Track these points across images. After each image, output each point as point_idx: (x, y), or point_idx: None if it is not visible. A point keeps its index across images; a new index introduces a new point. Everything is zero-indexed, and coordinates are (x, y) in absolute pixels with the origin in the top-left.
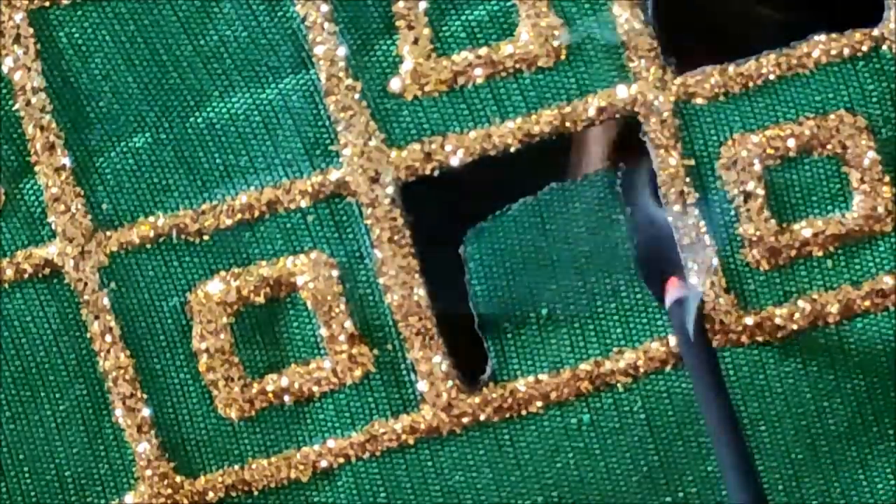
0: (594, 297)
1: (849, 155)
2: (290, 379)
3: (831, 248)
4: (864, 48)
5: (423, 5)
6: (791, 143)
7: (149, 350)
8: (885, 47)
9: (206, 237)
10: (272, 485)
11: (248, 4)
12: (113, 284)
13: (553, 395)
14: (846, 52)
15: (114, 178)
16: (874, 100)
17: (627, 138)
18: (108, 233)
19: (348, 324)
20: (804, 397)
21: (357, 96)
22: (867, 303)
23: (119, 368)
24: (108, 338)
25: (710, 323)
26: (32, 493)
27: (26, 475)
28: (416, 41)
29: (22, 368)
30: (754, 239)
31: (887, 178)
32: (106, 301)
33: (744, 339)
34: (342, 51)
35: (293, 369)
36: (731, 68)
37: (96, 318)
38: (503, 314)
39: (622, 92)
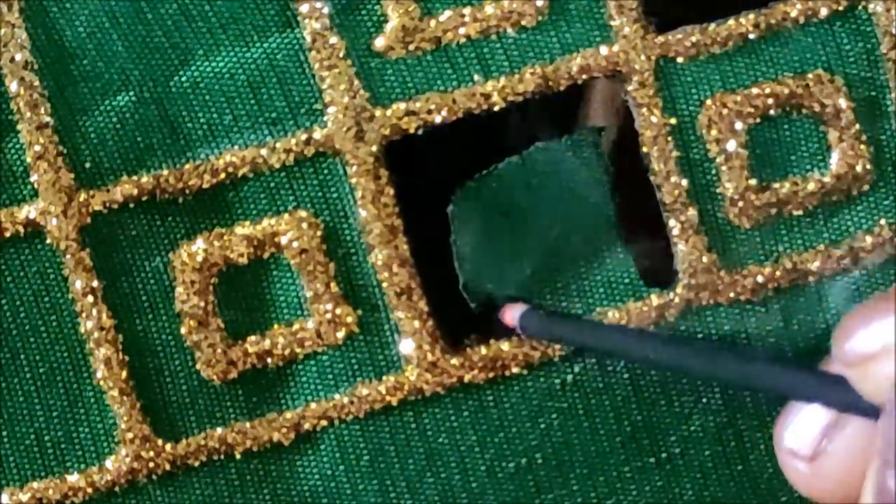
0: (576, 257)
1: (827, 114)
2: (272, 340)
3: (811, 207)
4: (841, 7)
5: None
6: (771, 101)
7: (131, 311)
8: (861, 6)
9: (189, 197)
10: (254, 448)
11: None
12: (95, 244)
13: (537, 356)
14: (823, 11)
15: (97, 137)
16: (851, 59)
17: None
18: (91, 192)
19: (332, 284)
20: (786, 356)
21: (342, 55)
22: (846, 261)
23: (101, 330)
24: (90, 298)
25: (693, 282)
26: (11, 458)
27: (4, 439)
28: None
29: (1, 330)
30: (735, 198)
31: (865, 138)
32: (88, 261)
33: (725, 298)
34: (327, 9)
35: (276, 331)
36: (712, 27)
37: (78, 278)
38: (487, 274)
39: (604, 51)
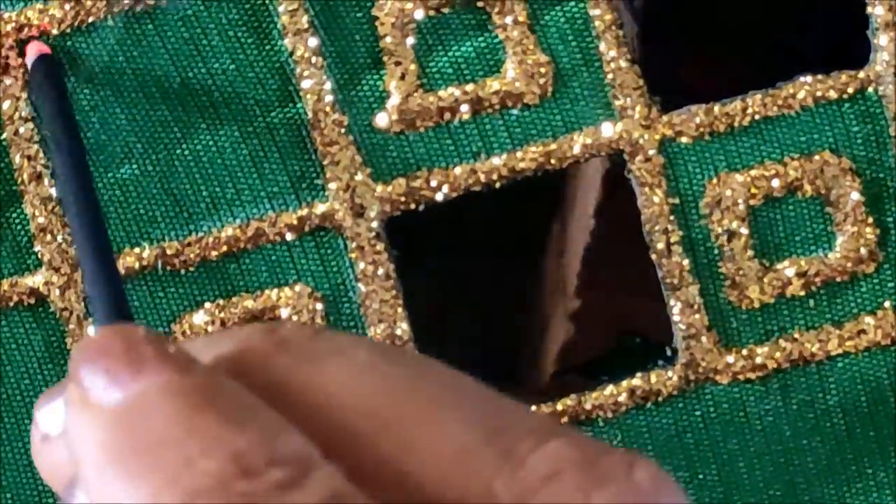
0: None
1: (832, 196)
2: None
3: (813, 288)
4: (850, 90)
5: (410, 41)
6: (776, 183)
7: None
8: (870, 89)
9: (191, 269)
10: None
11: (237, 38)
12: None
13: None
14: (832, 93)
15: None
16: (859, 141)
17: (622, 169)
18: None
19: None
20: (784, 435)
21: (343, 131)
22: (848, 343)
23: None
24: None
25: (692, 360)
26: None
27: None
28: (403, 76)
29: (6, 396)
30: (737, 278)
31: (870, 220)
32: (91, 330)
33: (725, 376)
34: (329, 85)
35: None
36: (717, 108)
37: None
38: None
39: (607, 130)
